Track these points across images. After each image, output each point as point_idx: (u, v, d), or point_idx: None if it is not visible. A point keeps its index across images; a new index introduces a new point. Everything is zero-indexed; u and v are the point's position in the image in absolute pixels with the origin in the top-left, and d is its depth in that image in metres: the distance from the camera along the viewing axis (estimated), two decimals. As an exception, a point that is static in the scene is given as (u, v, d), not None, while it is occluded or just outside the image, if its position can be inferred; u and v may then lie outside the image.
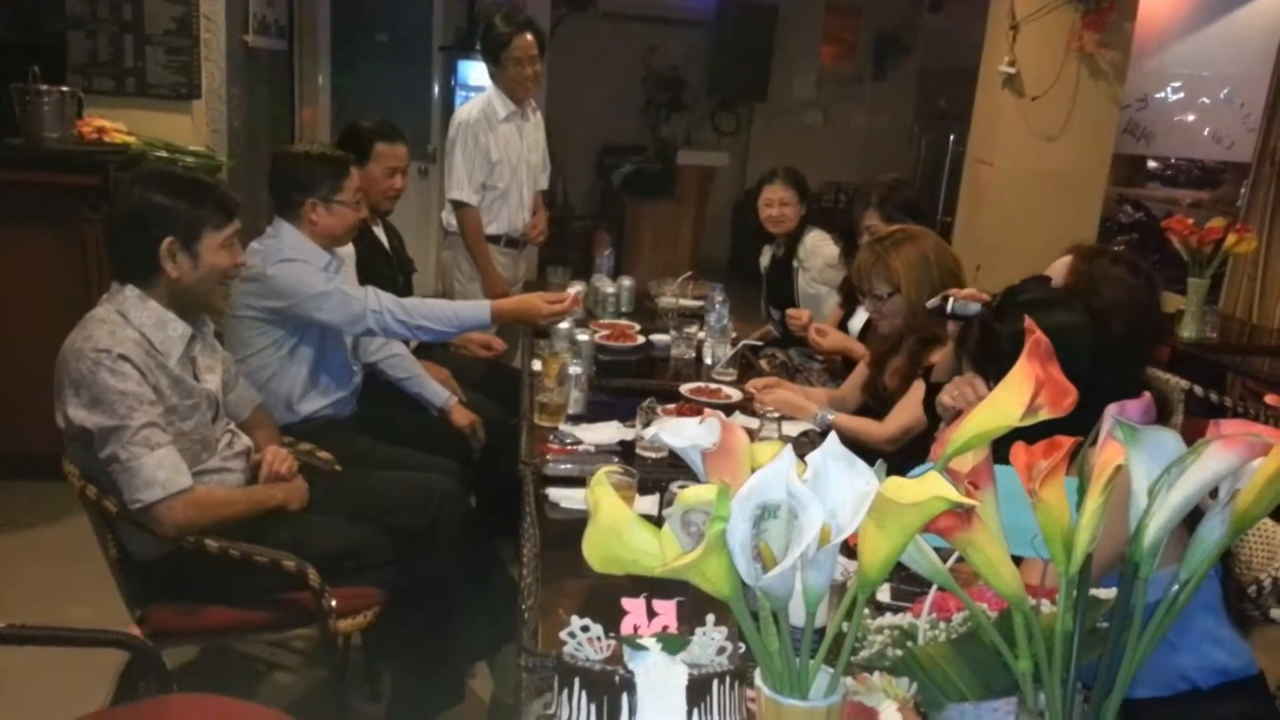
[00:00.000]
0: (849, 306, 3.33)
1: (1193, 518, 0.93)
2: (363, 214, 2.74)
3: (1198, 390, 3.06)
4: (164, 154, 3.86)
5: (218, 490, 2.08)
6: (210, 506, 2.01)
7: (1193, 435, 0.89)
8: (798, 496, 0.84)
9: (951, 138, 6.78)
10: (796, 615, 0.96)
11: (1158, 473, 0.87)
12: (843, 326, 3.33)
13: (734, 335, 3.16)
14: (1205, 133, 6.12)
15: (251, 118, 5.06)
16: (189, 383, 2.05)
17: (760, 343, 3.57)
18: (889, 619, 1.14)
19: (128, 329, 1.96)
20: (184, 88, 4.24)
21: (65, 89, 3.73)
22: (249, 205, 4.98)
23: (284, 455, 2.23)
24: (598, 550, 0.91)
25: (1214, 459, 0.85)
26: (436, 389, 2.90)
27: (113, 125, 3.85)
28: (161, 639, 2.05)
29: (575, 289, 3.52)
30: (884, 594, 1.57)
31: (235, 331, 2.59)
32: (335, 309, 2.53)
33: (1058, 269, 2.15)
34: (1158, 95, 6.04)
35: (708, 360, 3.07)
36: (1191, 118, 6.11)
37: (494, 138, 3.83)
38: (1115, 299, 2.08)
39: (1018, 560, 0.98)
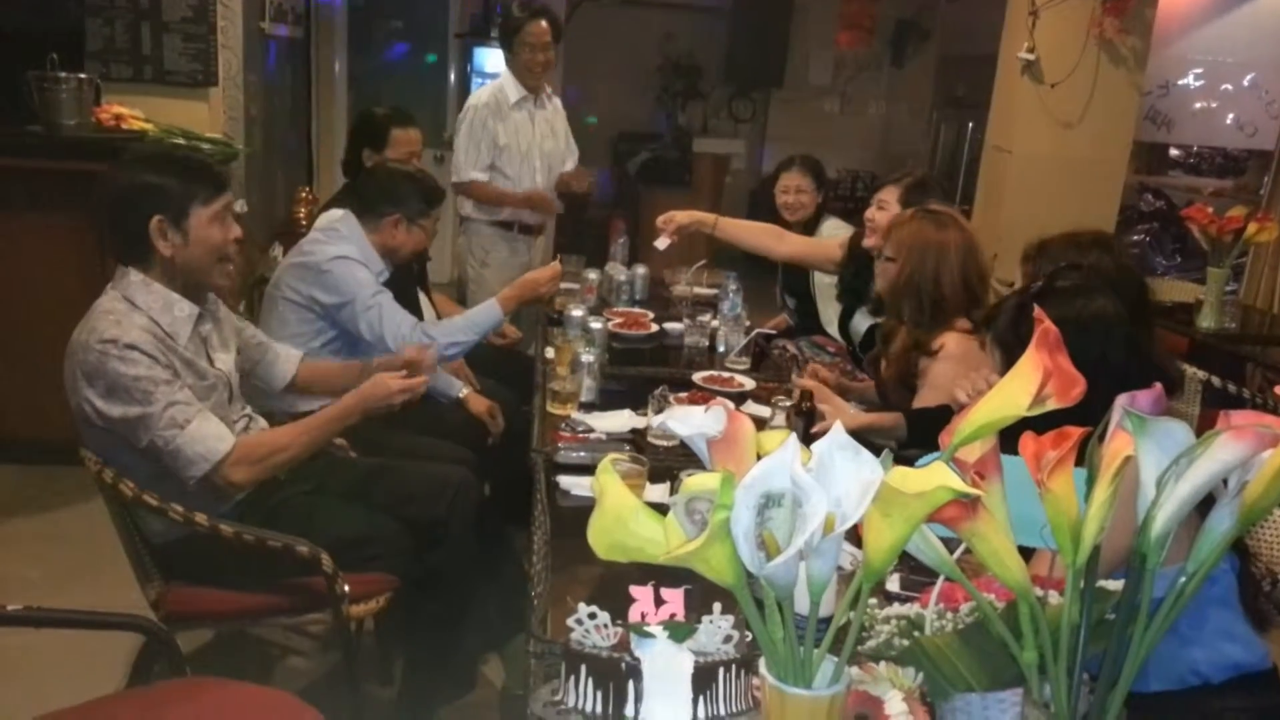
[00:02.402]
0: (848, 303, 3.28)
1: (1205, 507, 0.92)
2: (426, 245, 2.88)
3: (1215, 381, 3.03)
4: (181, 141, 3.87)
5: (265, 435, 2.10)
6: (261, 456, 2.03)
7: (1208, 427, 0.88)
8: (802, 485, 0.84)
9: (970, 125, 6.73)
10: (803, 604, 0.96)
11: (1166, 464, 0.86)
12: (843, 326, 3.30)
13: (748, 324, 3.15)
14: (1228, 120, 6.06)
15: (268, 105, 5.08)
16: (201, 365, 2.05)
17: (773, 332, 3.55)
18: (896, 609, 1.14)
19: (134, 315, 1.95)
20: (201, 75, 4.25)
21: (83, 76, 3.74)
22: (266, 190, 5.01)
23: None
24: (603, 538, 0.92)
25: (1223, 450, 0.84)
26: (450, 380, 2.91)
27: (130, 112, 3.87)
28: (176, 622, 2.06)
29: (591, 277, 3.54)
30: (893, 584, 1.57)
31: (275, 309, 2.64)
32: (371, 325, 2.62)
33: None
34: (1179, 82, 5.98)
35: (721, 349, 3.06)
36: (1214, 105, 6.04)
37: (503, 124, 3.86)
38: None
39: (1029, 552, 0.98)
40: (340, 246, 2.66)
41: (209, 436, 1.94)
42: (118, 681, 2.06)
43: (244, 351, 2.31)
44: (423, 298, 3.44)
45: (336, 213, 2.84)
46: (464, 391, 2.91)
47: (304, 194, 4.71)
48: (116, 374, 1.88)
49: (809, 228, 3.70)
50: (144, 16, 4.16)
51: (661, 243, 3.41)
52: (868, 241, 3.00)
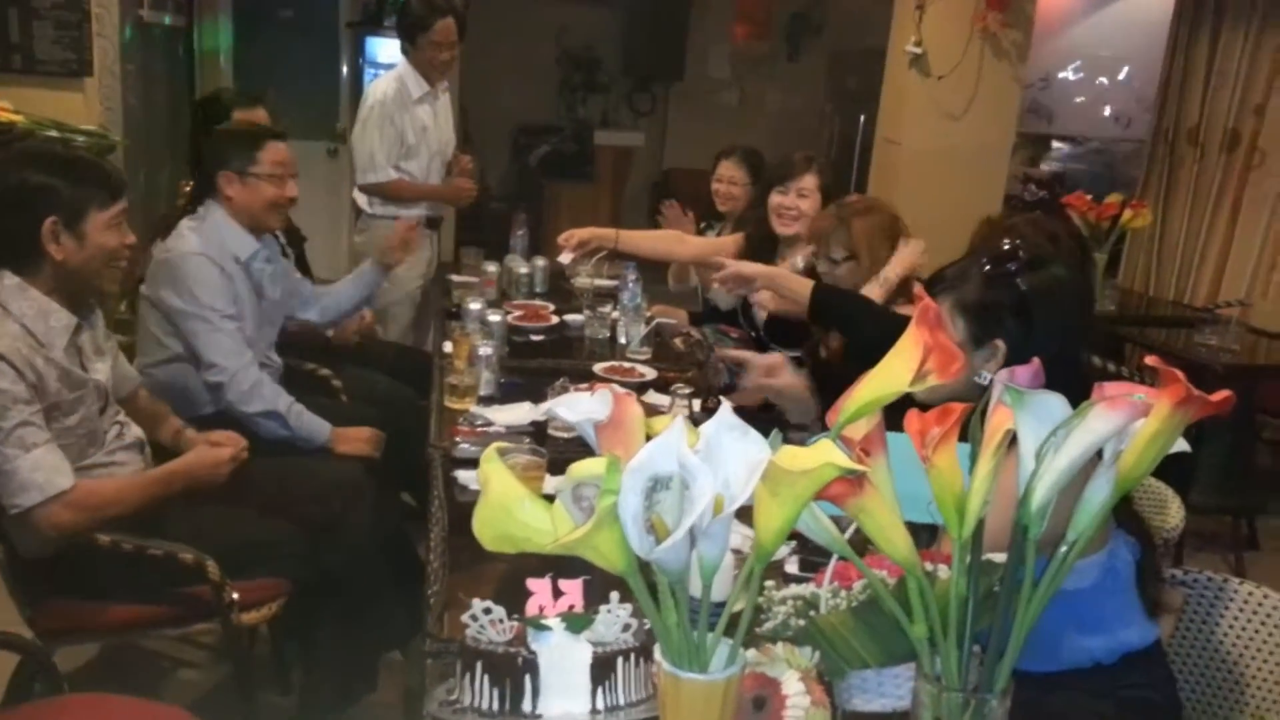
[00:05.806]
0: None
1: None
2: (288, 193, 2.60)
3: (1096, 361, 3.15)
4: (54, 133, 3.67)
5: (104, 486, 1.97)
6: (95, 506, 1.90)
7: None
8: (688, 467, 0.83)
9: (862, 118, 6.85)
10: (698, 588, 0.95)
11: (1045, 435, 0.88)
12: (745, 313, 3.31)
13: (648, 315, 3.15)
14: (1105, 112, 6.31)
15: (148, 96, 4.87)
16: (76, 374, 1.95)
17: (673, 320, 3.55)
18: (792, 589, 1.15)
19: (7, 322, 1.85)
20: (75, 64, 4.04)
21: (-57, 65, 3.54)
22: (148, 185, 4.81)
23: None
24: (489, 528, 0.89)
25: (1098, 420, 0.86)
26: (313, 424, 2.56)
27: (-3, 103, 3.66)
28: (54, 638, 1.96)
29: (490, 270, 3.49)
30: (792, 566, 1.58)
31: (143, 310, 2.50)
32: (217, 345, 2.43)
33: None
34: (1060, 75, 6.20)
35: (622, 340, 3.05)
36: (1091, 98, 6.29)
37: (409, 120, 3.78)
38: None
39: (931, 531, 0.99)
40: (202, 242, 2.46)
41: (50, 469, 1.82)
42: (-9, 703, 1.95)
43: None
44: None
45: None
46: (328, 434, 2.56)
47: (187, 188, 4.52)
48: None
49: (743, 219, 3.70)
50: (11, 2, 3.93)
51: (565, 257, 3.43)
52: (789, 229, 3.05)
